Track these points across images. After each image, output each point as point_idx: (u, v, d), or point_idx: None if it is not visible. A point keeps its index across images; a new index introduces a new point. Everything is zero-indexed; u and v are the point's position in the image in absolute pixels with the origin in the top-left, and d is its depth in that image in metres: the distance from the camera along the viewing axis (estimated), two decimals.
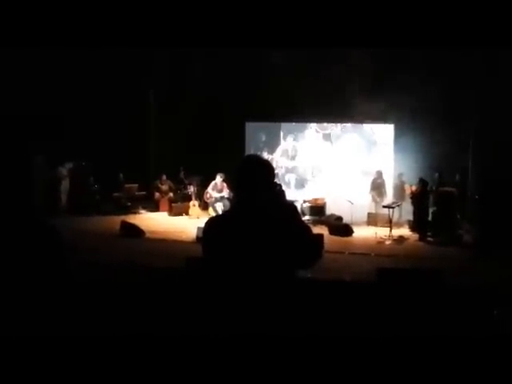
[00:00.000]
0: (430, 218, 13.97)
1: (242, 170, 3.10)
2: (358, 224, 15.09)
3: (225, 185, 15.90)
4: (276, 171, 3.41)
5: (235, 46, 11.60)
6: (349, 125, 17.19)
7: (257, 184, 3.01)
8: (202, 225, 3.21)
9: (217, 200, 15.95)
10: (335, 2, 9.41)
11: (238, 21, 9.61)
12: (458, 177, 15.85)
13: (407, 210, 15.06)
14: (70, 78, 16.09)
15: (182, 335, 4.33)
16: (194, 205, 16.74)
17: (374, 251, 12.04)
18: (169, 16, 9.53)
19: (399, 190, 16.02)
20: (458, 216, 14.24)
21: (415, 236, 13.83)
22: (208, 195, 16.22)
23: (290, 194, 15.02)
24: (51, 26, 9.38)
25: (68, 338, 2.96)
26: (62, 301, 2.94)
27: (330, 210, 15.93)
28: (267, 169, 3.11)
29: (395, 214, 14.65)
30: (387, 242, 13.19)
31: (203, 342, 3.06)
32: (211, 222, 3.16)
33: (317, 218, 15.53)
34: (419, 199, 14.03)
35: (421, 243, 13.35)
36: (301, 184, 17.65)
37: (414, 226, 14.24)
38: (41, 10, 9.11)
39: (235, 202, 3.21)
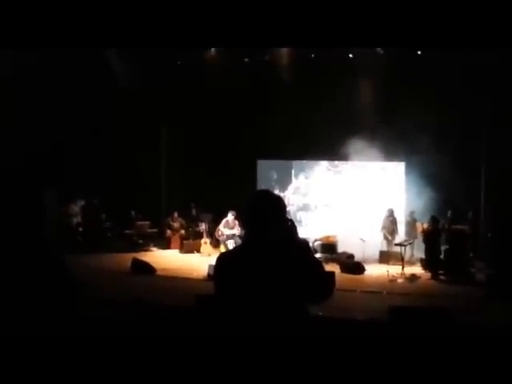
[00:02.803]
0: (442, 256, 13.87)
1: (253, 204, 3.09)
2: (370, 262, 15.01)
3: (236, 222, 15.91)
4: (288, 209, 3.40)
5: (235, 45, 11.61)
6: (360, 163, 17.17)
7: (268, 219, 3.00)
8: (214, 262, 3.19)
9: (228, 237, 15.95)
10: (335, 2, 9.39)
11: (238, 20, 9.57)
12: (470, 214, 15.75)
13: (419, 247, 14.98)
14: (82, 116, 16.28)
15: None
16: (205, 242, 16.73)
17: (386, 289, 11.95)
18: (170, 16, 9.51)
19: (411, 227, 15.95)
20: (471, 254, 14.13)
21: (427, 274, 13.69)
22: (220, 232, 16.23)
23: (302, 232, 14.96)
24: (53, 27, 9.37)
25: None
26: (69, 331, 2.94)
27: (342, 247, 15.84)
28: (278, 204, 3.10)
29: (407, 252, 14.58)
30: (399, 280, 13.09)
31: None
32: (222, 258, 3.15)
33: (328, 255, 15.43)
34: (431, 237, 13.95)
35: (433, 281, 13.22)
36: (312, 222, 17.61)
37: (426, 264, 14.12)
38: (41, 10, 9.11)
39: (246, 237, 3.20)
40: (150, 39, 10.19)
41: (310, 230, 16.83)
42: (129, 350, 4.47)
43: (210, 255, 15.75)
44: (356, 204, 17.00)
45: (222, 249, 15.72)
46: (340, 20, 9.47)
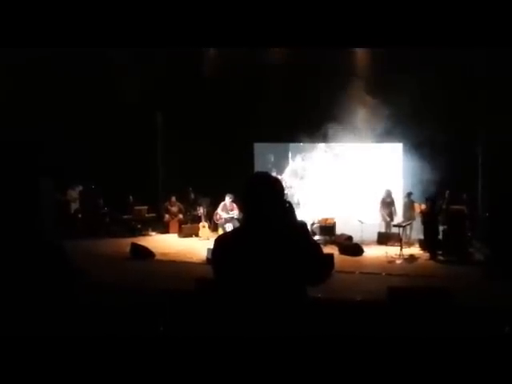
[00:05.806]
0: (440, 237, 13.90)
1: (252, 186, 3.08)
2: (368, 243, 15.05)
3: (234, 205, 15.91)
4: (285, 191, 3.38)
5: (234, 45, 11.54)
6: (357, 144, 17.13)
7: (266, 201, 2.99)
8: (212, 246, 3.19)
9: (227, 221, 15.94)
10: (335, 2, 9.34)
11: (237, 20, 9.51)
12: (467, 194, 15.77)
13: (418, 228, 15.01)
14: (79, 101, 16.21)
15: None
16: (203, 226, 16.75)
17: (385, 270, 11.97)
18: (168, 15, 9.45)
19: (409, 208, 15.96)
20: (469, 234, 14.16)
21: (426, 255, 13.73)
22: (218, 216, 16.23)
23: (300, 214, 14.94)
24: (51, 27, 9.32)
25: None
26: (67, 318, 2.93)
27: (340, 229, 15.87)
28: (277, 186, 3.09)
29: (405, 233, 14.60)
30: (398, 261, 13.12)
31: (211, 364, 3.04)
32: (220, 240, 3.14)
33: (327, 237, 15.47)
34: (429, 218, 13.97)
35: (431, 262, 13.25)
36: (310, 204, 17.61)
37: (425, 244, 14.15)
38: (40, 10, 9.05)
39: (244, 219, 3.19)
40: (147, 39, 10.15)
41: (307, 212, 16.82)
42: (126, 344, 4.48)
43: (208, 239, 15.78)
44: (354, 186, 17.00)
45: (221, 232, 15.72)
46: (339, 20, 9.43)
